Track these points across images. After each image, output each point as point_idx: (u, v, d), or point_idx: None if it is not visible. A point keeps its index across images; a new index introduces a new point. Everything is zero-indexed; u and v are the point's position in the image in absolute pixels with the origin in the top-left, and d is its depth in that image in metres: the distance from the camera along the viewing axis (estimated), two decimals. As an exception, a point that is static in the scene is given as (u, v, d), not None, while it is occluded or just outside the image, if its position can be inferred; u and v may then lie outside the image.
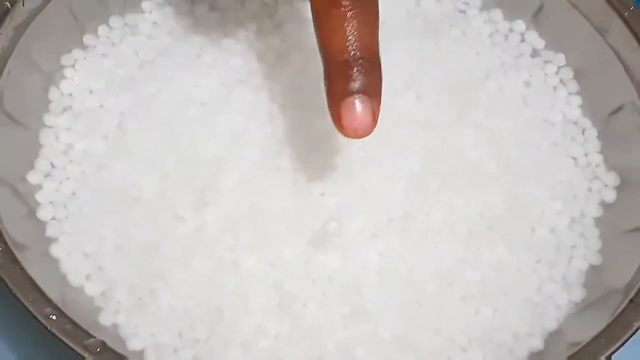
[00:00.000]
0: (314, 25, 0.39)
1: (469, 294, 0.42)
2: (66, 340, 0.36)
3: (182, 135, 0.45)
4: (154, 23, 0.50)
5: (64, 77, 0.47)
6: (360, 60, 0.37)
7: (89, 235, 0.43)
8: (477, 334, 0.42)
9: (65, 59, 0.47)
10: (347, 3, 0.37)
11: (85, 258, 0.42)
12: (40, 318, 0.37)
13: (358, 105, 0.37)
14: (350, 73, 0.37)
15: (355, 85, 0.37)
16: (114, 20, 0.49)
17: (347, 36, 0.37)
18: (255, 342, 0.40)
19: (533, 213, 0.45)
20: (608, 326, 0.39)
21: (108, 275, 0.42)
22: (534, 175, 0.46)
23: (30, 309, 0.37)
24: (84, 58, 0.48)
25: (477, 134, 0.47)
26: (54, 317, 0.37)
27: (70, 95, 0.47)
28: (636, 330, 0.39)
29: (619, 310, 0.40)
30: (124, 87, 0.47)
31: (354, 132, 0.37)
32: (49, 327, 0.37)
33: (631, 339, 0.39)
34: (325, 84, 0.38)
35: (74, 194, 0.44)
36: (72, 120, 0.46)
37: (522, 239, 0.45)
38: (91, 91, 0.47)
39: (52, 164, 0.45)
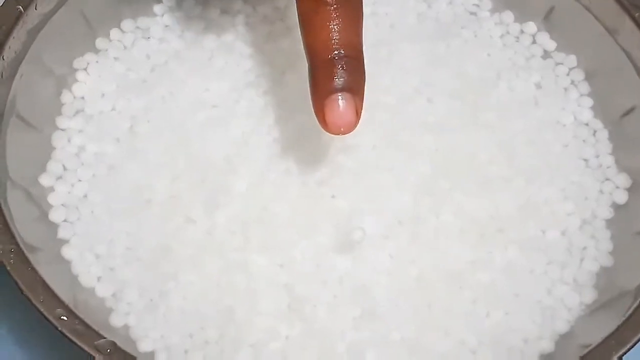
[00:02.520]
0: (300, 23, 0.40)
1: (479, 296, 0.42)
2: (77, 341, 0.37)
3: (192, 138, 0.45)
4: (166, 26, 0.50)
5: (76, 81, 0.47)
6: (344, 59, 0.38)
7: (101, 237, 0.43)
8: (487, 336, 0.42)
9: (77, 63, 0.48)
10: (332, 2, 0.38)
11: (97, 260, 0.43)
12: (51, 319, 0.37)
13: (341, 102, 0.38)
14: (334, 71, 0.38)
15: (339, 83, 0.38)
16: (126, 24, 0.49)
17: (332, 35, 0.38)
18: (265, 343, 0.40)
19: (544, 215, 0.45)
20: (618, 327, 0.39)
21: (119, 276, 0.42)
22: (545, 176, 0.46)
23: (42, 309, 0.37)
24: (96, 61, 0.48)
25: (488, 135, 0.47)
26: (64, 318, 0.37)
27: (83, 98, 0.47)
28: (647, 331, 0.39)
29: (630, 312, 0.40)
30: (136, 90, 0.47)
31: (337, 129, 0.38)
32: (59, 328, 0.37)
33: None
34: (309, 82, 0.39)
35: (85, 196, 0.44)
36: (84, 123, 0.46)
37: (533, 240, 0.44)
38: (103, 94, 0.47)
39: (64, 166, 0.45)
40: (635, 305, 0.40)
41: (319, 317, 0.41)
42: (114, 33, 0.49)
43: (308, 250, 0.43)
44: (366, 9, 0.50)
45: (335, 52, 0.38)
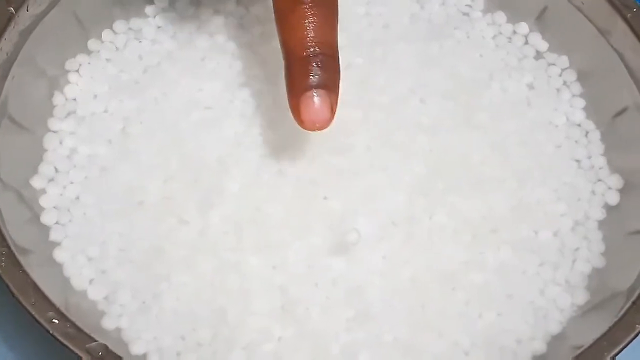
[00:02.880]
0: (276, 21, 0.41)
1: (472, 297, 0.42)
2: (68, 344, 0.36)
3: (185, 139, 0.45)
4: (158, 27, 0.50)
5: (68, 82, 0.47)
6: (319, 56, 0.39)
7: (93, 239, 0.43)
8: (480, 337, 0.42)
9: (69, 64, 0.48)
10: (308, 0, 0.39)
11: (89, 262, 0.42)
12: (42, 322, 0.37)
13: (316, 99, 0.39)
14: (309, 68, 0.39)
15: (314, 80, 0.39)
16: (118, 25, 0.49)
17: (307, 33, 0.39)
18: (258, 345, 0.40)
19: (537, 216, 0.45)
20: (610, 328, 0.39)
21: (111, 279, 0.42)
22: (537, 177, 0.46)
23: (33, 312, 0.37)
24: (88, 63, 0.48)
25: (480, 136, 0.47)
26: (56, 321, 0.37)
27: (74, 100, 0.47)
28: (639, 332, 0.39)
29: (622, 312, 0.40)
30: (128, 91, 0.47)
31: (312, 125, 0.39)
32: (51, 331, 0.37)
33: (634, 341, 0.39)
34: (285, 79, 0.40)
35: (77, 198, 0.44)
36: (76, 124, 0.46)
37: (526, 241, 0.44)
38: (95, 96, 0.47)
39: (55, 168, 0.45)
40: (627, 306, 0.40)
41: (312, 319, 0.41)
42: (106, 34, 0.49)
43: (301, 251, 0.43)
44: (360, 9, 0.51)
45: (311, 49, 0.39)
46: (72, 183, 0.45)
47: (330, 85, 0.40)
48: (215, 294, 0.41)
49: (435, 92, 0.48)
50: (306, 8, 0.39)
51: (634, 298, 0.40)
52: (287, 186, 0.44)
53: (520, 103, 0.49)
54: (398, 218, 0.44)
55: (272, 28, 0.48)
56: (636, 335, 0.39)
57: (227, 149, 0.45)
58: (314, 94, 0.39)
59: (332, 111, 0.40)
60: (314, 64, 0.39)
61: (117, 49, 0.49)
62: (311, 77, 0.39)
